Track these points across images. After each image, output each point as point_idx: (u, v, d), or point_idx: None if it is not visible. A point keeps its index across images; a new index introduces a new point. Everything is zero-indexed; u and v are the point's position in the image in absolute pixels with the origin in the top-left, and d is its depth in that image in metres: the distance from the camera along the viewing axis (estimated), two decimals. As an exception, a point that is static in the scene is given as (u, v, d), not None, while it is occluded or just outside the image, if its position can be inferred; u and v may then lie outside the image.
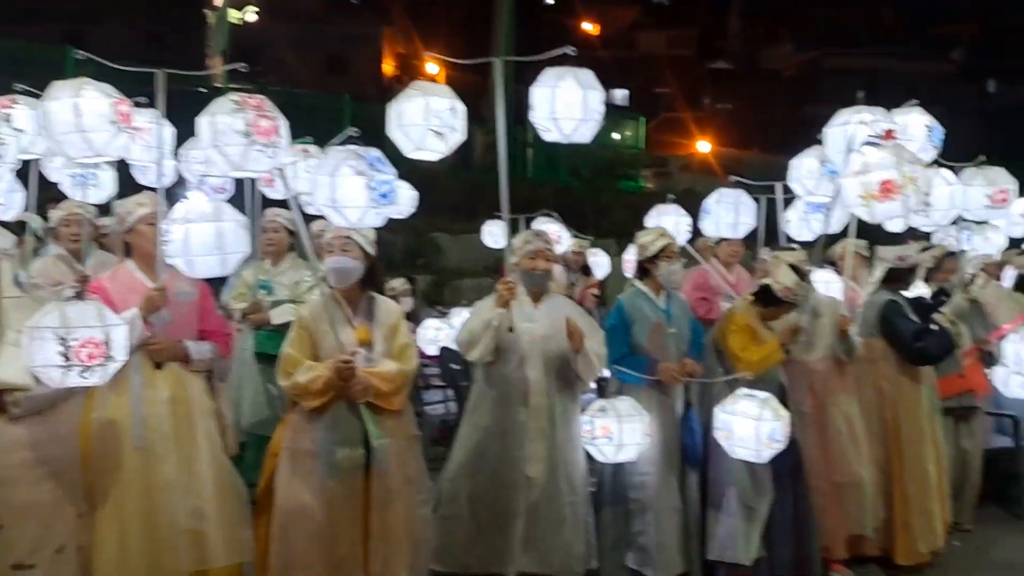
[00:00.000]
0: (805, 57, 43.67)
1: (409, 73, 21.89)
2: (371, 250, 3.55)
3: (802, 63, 43.52)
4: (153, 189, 3.59)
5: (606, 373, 4.34)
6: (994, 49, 45.48)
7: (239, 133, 2.94)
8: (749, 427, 3.72)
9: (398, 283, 6.53)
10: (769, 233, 5.02)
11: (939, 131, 4.28)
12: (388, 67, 27.05)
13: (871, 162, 3.60)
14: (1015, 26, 47.79)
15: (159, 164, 3.48)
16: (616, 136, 21.24)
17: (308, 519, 3.38)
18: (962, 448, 5.27)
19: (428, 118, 3.50)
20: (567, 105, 3.53)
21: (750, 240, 5.21)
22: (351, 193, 3.16)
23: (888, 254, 4.79)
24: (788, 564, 4.13)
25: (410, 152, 3.62)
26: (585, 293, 5.88)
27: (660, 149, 25.82)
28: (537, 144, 15.39)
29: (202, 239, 3.11)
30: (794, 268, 4.07)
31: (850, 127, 3.98)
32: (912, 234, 5.24)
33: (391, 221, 5.78)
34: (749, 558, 4.06)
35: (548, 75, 3.56)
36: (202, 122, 3.01)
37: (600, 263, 7.12)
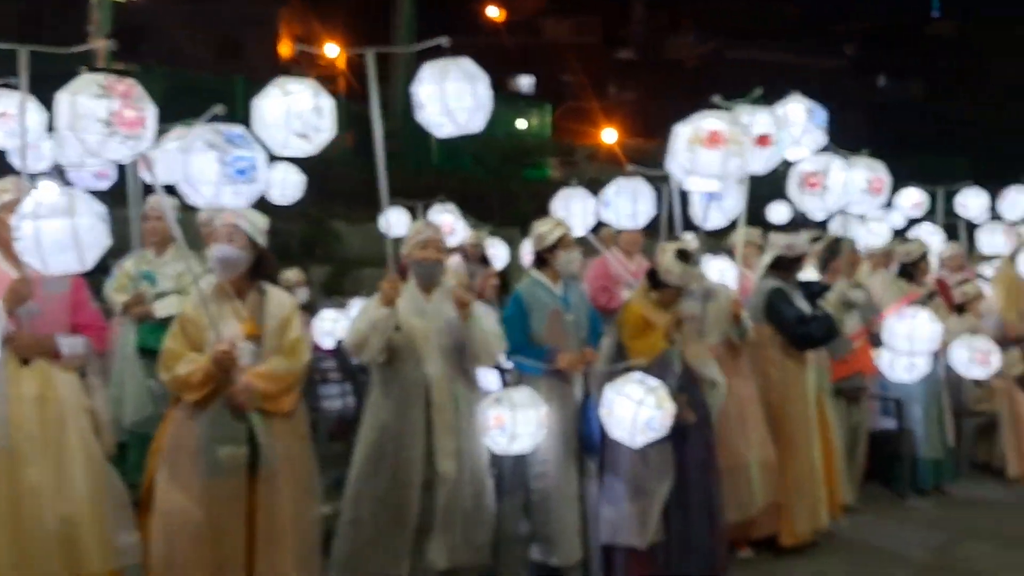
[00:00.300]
0: (707, 48, 44.70)
1: (307, 56, 21.36)
2: (260, 239, 3.40)
3: (704, 54, 44.52)
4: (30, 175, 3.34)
5: (508, 364, 4.29)
6: (884, 46, 47.74)
7: (100, 122, 2.74)
8: (629, 410, 3.72)
9: (292, 274, 6.34)
10: (674, 222, 5.04)
11: (820, 114, 4.41)
12: (285, 49, 26.31)
13: (709, 117, 3.76)
14: (903, 24, 50.22)
15: (22, 149, 3.22)
16: (522, 124, 21.24)
17: (189, 520, 3.22)
18: (852, 428, 5.46)
19: (289, 120, 3.38)
20: (457, 97, 3.45)
21: (655, 230, 5.23)
22: (202, 168, 3.00)
23: (779, 240, 4.90)
24: (692, 548, 4.12)
25: (279, 152, 3.51)
26: (485, 284, 5.81)
27: (566, 137, 25.96)
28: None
29: (55, 236, 2.82)
30: (682, 254, 4.11)
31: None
32: (804, 223, 5.39)
33: (285, 209, 5.65)
34: (644, 541, 4.06)
35: (431, 72, 3.47)
36: (61, 100, 2.79)
37: (499, 254, 7.06)
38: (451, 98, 3.44)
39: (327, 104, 3.47)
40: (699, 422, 4.11)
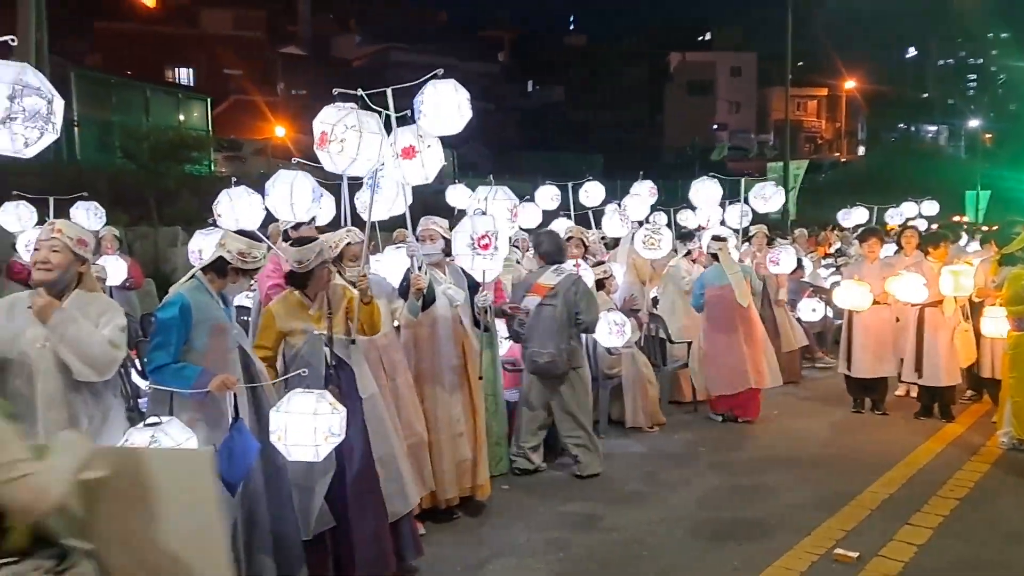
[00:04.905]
0: (372, 49, 45.38)
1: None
2: None
3: (371, 55, 45.12)
4: None
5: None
6: (531, 54, 51.90)
7: None
8: (306, 424, 3.49)
9: None
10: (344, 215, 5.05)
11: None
12: None
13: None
14: (545, 35, 54.94)
15: None
16: (181, 117, 20.08)
17: None
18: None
19: None
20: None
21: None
22: None
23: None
24: (358, 534, 4.02)
25: None
26: None
27: (231, 132, 24.97)
28: (85, 123, 14.06)
29: None
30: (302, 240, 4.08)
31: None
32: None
33: None
34: (307, 532, 3.91)
35: None
36: None
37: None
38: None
39: None
40: (351, 411, 3.79)
